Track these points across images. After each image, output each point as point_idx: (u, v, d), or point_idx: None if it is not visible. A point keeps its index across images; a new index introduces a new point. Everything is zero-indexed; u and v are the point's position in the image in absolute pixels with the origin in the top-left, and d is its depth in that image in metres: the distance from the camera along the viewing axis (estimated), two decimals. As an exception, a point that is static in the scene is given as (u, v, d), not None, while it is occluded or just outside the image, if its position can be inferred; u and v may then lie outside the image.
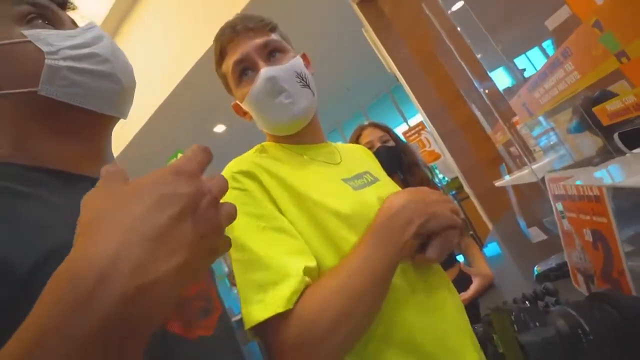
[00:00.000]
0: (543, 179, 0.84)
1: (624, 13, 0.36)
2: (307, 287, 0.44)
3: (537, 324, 0.42)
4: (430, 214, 0.46)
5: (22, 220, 0.29)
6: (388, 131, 1.25)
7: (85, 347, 0.17)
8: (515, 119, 1.28)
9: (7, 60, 0.36)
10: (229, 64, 0.58)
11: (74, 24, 0.44)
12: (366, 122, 1.28)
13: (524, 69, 2.01)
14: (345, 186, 0.56)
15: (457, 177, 2.69)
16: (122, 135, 4.56)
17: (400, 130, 7.14)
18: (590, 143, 0.94)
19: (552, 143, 1.29)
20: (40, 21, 0.38)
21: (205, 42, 3.21)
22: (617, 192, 0.49)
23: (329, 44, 4.06)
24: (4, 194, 0.31)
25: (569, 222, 0.65)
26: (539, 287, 0.67)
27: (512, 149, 1.10)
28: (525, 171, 0.91)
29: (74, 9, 0.44)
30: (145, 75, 3.68)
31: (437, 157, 2.88)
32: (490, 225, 2.19)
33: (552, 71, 0.52)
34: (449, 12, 1.65)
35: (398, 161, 1.19)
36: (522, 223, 1.20)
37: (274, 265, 0.44)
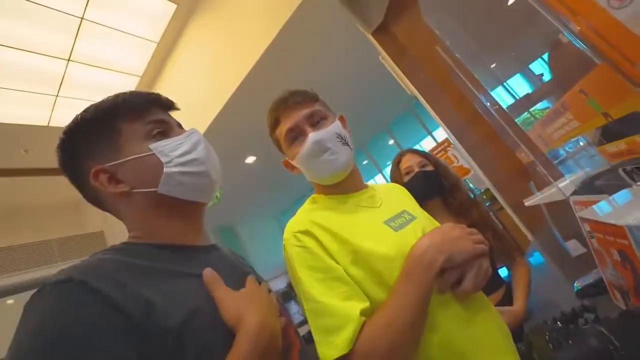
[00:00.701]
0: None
1: (602, 86, 0.43)
2: (365, 322, 0.54)
3: (571, 342, 0.48)
4: (451, 251, 0.55)
5: (166, 288, 0.42)
6: (426, 157, 1.30)
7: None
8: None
9: (139, 168, 0.51)
10: (282, 130, 0.72)
11: (180, 126, 0.59)
12: (406, 149, 1.34)
13: (542, 74, 2.01)
14: (387, 229, 0.66)
15: (488, 189, 2.66)
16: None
17: (426, 144, 7.10)
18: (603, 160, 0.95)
19: (581, 145, 1.29)
20: (159, 134, 0.54)
21: (237, 77, 3.46)
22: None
23: (350, 72, 4.24)
24: (150, 271, 0.44)
25: (597, 242, 0.69)
26: (577, 305, 0.71)
27: (537, 169, 1.14)
28: (553, 189, 0.96)
29: (178, 110, 0.61)
30: (184, 110, 3.99)
31: (467, 171, 2.88)
32: (529, 236, 2.15)
33: (556, 116, 0.60)
34: (450, 41, 1.73)
35: (438, 185, 1.23)
36: (559, 236, 1.22)
37: (336, 312, 0.54)
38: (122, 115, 0.53)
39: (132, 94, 0.54)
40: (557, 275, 1.43)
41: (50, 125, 4.24)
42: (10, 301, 4.48)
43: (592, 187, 0.78)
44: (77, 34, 3.28)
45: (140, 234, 0.52)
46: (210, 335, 0.40)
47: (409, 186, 1.22)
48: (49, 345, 0.34)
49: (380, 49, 2.85)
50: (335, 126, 0.70)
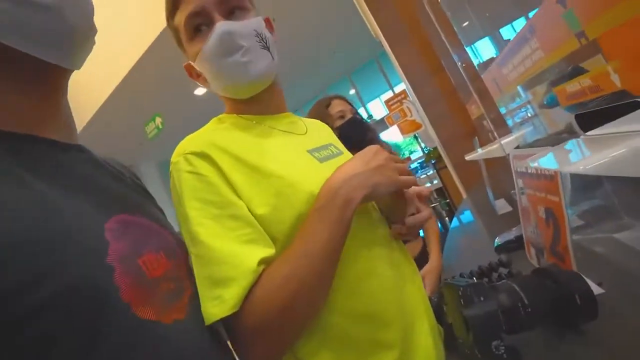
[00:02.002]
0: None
1: None
2: (263, 272, 0.44)
3: (482, 298, 0.44)
4: (372, 184, 0.46)
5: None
6: (353, 107, 1.24)
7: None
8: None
9: None
10: (182, 16, 0.53)
11: None
12: (334, 94, 1.25)
13: (509, 40, 1.96)
14: (311, 158, 0.55)
15: (436, 147, 2.71)
16: (95, 97, 4.31)
17: (385, 97, 7.04)
18: (564, 116, 0.95)
19: (529, 115, 1.30)
20: None
21: None
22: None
23: (315, 5, 3.84)
24: None
25: (527, 199, 0.67)
26: (494, 259, 0.71)
27: (484, 123, 1.10)
28: (495, 146, 0.92)
29: None
30: (118, 33, 3.41)
31: (418, 126, 2.87)
32: (464, 195, 2.26)
33: (519, 48, 0.51)
34: None
35: (365, 136, 1.17)
36: (491, 194, 1.24)
37: (228, 259, 0.43)
38: None
39: None
40: (482, 233, 1.50)
41: None
42: None
43: (536, 145, 0.75)
44: None
45: None
46: (44, 260, 0.27)
47: (344, 130, 1.14)
48: None
49: (350, -21, 2.56)
50: (255, 22, 0.53)
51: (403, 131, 2.94)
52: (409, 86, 2.42)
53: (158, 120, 3.81)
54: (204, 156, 0.48)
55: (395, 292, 0.52)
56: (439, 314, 0.60)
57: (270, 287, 0.42)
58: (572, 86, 0.43)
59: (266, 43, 0.53)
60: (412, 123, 2.87)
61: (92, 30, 0.38)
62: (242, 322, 0.42)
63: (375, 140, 1.22)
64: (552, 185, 0.52)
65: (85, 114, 4.51)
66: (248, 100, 0.56)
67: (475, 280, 0.47)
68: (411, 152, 6.82)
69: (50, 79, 0.36)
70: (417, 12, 1.99)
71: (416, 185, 0.52)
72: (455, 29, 1.60)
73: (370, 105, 7.53)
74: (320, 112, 1.19)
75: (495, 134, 1.00)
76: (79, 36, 0.36)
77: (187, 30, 0.53)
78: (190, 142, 0.50)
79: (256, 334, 0.42)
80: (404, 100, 2.93)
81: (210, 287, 0.42)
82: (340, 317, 0.47)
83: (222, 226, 0.45)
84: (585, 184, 0.67)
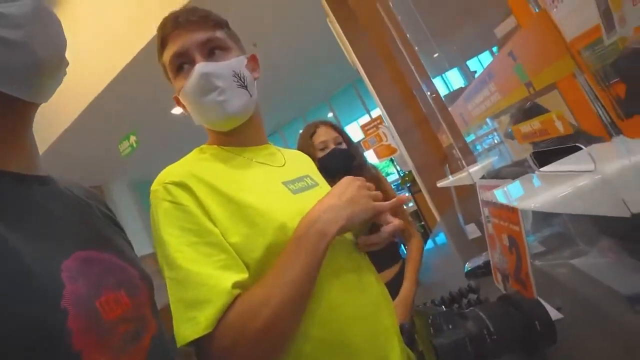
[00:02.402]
0: (478, 182, 0.90)
1: (532, 47, 0.39)
2: (237, 297, 0.44)
3: (450, 326, 0.46)
4: (346, 217, 0.49)
5: None
6: (341, 133, 1.27)
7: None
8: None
9: None
10: (168, 55, 0.57)
11: None
12: (321, 120, 1.28)
13: (475, 71, 2.11)
14: (285, 190, 0.57)
15: (411, 171, 2.80)
16: (67, 112, 4.15)
17: (362, 121, 7.25)
18: (525, 146, 1.02)
19: (495, 142, 1.39)
20: None
21: (159, 18, 2.98)
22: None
23: (293, 31, 3.97)
24: None
25: (493, 227, 0.70)
26: (464, 284, 0.73)
27: (453, 152, 1.17)
28: (463, 174, 0.98)
29: None
30: (95, 51, 3.35)
31: (393, 151, 2.97)
32: (438, 218, 2.32)
33: (480, 88, 0.56)
34: (402, 15, 1.67)
35: (350, 163, 1.21)
36: (461, 219, 1.29)
37: (204, 282, 0.44)
38: None
39: None
40: (454, 255, 1.55)
41: None
42: None
43: (501, 174, 0.80)
44: None
45: None
46: None
47: (324, 162, 1.17)
48: None
49: (328, 10, 2.69)
50: (234, 62, 0.57)
51: (379, 155, 3.04)
52: (385, 112, 2.52)
53: (132, 138, 3.71)
54: (183, 186, 0.50)
55: (366, 321, 0.53)
56: (411, 341, 0.61)
57: (243, 312, 0.43)
58: (525, 127, 0.48)
59: (244, 82, 0.57)
60: (388, 148, 2.97)
61: (62, 63, 0.38)
62: (214, 345, 0.42)
63: (363, 166, 1.25)
64: (513, 216, 0.55)
65: (57, 129, 4.33)
66: (228, 132, 0.59)
67: (444, 309, 0.48)
68: (387, 175, 6.99)
69: (16, 113, 0.35)
70: (391, 44, 2.12)
71: (388, 208, 0.54)
72: (422, 61, 1.71)
73: (347, 129, 7.71)
74: (304, 142, 1.23)
75: (464, 162, 1.05)
76: (48, 70, 0.35)
77: (172, 68, 0.57)
78: (170, 172, 0.52)
79: (228, 356, 0.42)
80: (379, 126, 3.04)
81: (185, 309, 0.43)
82: (312, 346, 0.48)
83: (199, 252, 0.46)
84: (545, 213, 0.72)
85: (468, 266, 0.88)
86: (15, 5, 0.32)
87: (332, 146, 1.21)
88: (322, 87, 6.39)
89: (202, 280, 0.44)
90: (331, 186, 0.63)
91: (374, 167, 1.34)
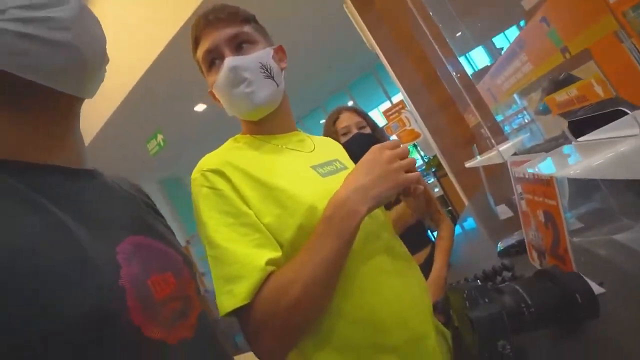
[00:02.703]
0: (509, 160, 0.87)
1: (566, 11, 0.37)
2: (270, 274, 0.48)
3: (487, 300, 0.46)
4: (376, 195, 0.49)
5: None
6: (365, 117, 1.25)
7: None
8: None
9: None
10: (200, 52, 0.61)
11: None
12: (344, 106, 1.28)
13: (502, 48, 2.02)
14: (314, 173, 0.59)
15: (436, 155, 2.74)
16: (99, 115, 4.37)
17: (383, 108, 7.13)
18: (558, 122, 0.98)
19: (526, 121, 1.33)
20: None
21: (184, 12, 3.05)
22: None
23: (310, 20, 3.94)
24: None
25: (526, 203, 0.69)
26: (497, 264, 0.72)
27: (482, 131, 1.13)
28: (493, 153, 0.95)
29: None
30: (120, 51, 3.49)
31: (417, 135, 2.91)
32: (465, 201, 2.27)
33: (509, 60, 0.54)
34: None
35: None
36: (492, 200, 1.26)
37: (240, 260, 0.48)
38: None
39: None
40: (484, 238, 1.51)
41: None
42: None
43: (534, 151, 0.77)
44: None
45: None
46: (54, 289, 0.28)
47: (346, 147, 1.17)
48: None
49: (346, -2, 2.64)
50: (261, 54, 0.60)
51: (402, 140, 2.98)
52: (407, 97, 2.46)
53: (159, 137, 3.86)
54: (219, 173, 0.54)
55: (400, 300, 0.55)
56: (445, 319, 0.62)
57: (276, 288, 0.47)
58: (561, 96, 0.46)
59: (270, 73, 0.60)
60: (411, 132, 2.91)
61: (104, 60, 0.41)
62: (251, 316, 0.47)
63: None
64: (548, 189, 0.54)
65: (91, 131, 4.57)
66: (259, 121, 0.62)
67: (480, 283, 0.48)
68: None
69: (62, 107, 0.38)
70: (411, 26, 2.06)
71: (420, 180, 0.54)
72: (447, 40, 1.65)
73: (368, 116, 7.61)
74: (328, 128, 1.23)
75: (493, 141, 1.02)
76: (93, 67, 0.38)
77: (205, 64, 0.61)
78: (208, 160, 0.56)
79: (262, 327, 0.47)
80: (402, 111, 2.98)
81: (224, 283, 0.48)
82: (344, 323, 0.51)
83: (235, 232, 0.50)
84: (583, 187, 0.70)
85: (500, 245, 0.86)
86: (62, 9, 0.34)
87: (354, 131, 1.21)
88: (341, 75, 6.33)
89: (238, 258, 0.48)
90: None
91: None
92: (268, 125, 0.64)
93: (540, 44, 0.42)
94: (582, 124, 0.48)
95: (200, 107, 5.23)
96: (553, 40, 0.41)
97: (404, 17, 2.08)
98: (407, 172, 0.52)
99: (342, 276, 0.51)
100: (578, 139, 0.46)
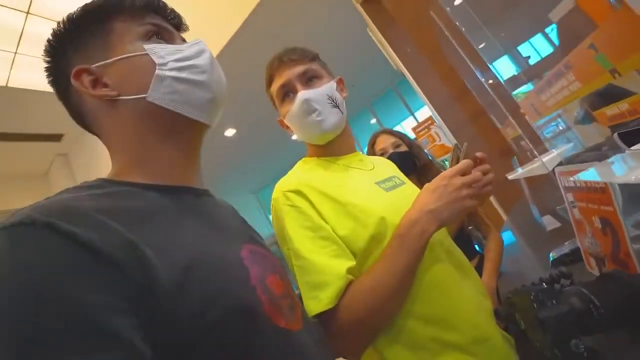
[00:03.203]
0: (554, 170, 0.89)
1: (615, 39, 0.42)
2: (350, 282, 0.55)
3: (554, 301, 0.49)
4: (445, 218, 0.55)
5: (158, 237, 0.34)
6: (401, 137, 1.32)
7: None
8: (522, 110, 1.33)
9: (128, 71, 0.43)
10: (275, 87, 0.71)
11: (184, 41, 0.51)
12: (381, 130, 1.35)
13: (529, 56, 2.03)
14: (379, 189, 0.66)
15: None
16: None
17: (408, 124, 7.15)
18: (597, 131, 0.99)
19: (560, 129, 1.33)
20: (156, 37, 0.46)
21: (217, 44, 3.28)
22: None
23: (333, 43, 4.12)
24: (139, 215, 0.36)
25: (579, 211, 0.70)
26: (554, 271, 0.74)
27: (522, 143, 1.16)
28: (536, 164, 0.97)
29: (187, 30, 0.52)
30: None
31: (448, 150, 2.91)
32: (503, 215, 2.23)
33: (556, 79, 0.59)
34: (451, 8, 1.70)
35: (411, 164, 1.25)
36: (535, 211, 1.26)
37: (323, 269, 0.55)
38: (116, 13, 0.46)
39: None
40: (528, 252, 1.50)
41: (8, 85, 3.89)
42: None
43: (579, 160, 0.80)
44: (37, -17, 2.97)
45: (123, 168, 0.44)
46: (213, 285, 0.34)
47: None
48: (5, 300, 0.25)
49: (368, 19, 2.77)
50: (327, 87, 0.69)
51: (433, 156, 3.00)
52: (435, 112, 2.50)
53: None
54: (298, 192, 0.61)
55: (463, 301, 0.59)
56: (508, 324, 0.64)
57: (357, 295, 0.53)
58: (611, 110, 0.50)
59: (336, 102, 0.68)
60: (442, 147, 2.93)
61: (225, 97, 0.51)
62: (335, 319, 0.53)
63: (428, 166, 1.29)
64: (604, 196, 0.56)
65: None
66: (325, 145, 0.71)
67: (545, 286, 0.51)
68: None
69: (197, 136, 0.48)
70: (437, 40, 2.12)
71: (480, 204, 0.59)
72: (477, 50, 1.69)
73: (392, 132, 7.65)
74: (369, 152, 1.32)
75: (535, 152, 1.04)
76: (219, 102, 0.48)
77: (279, 97, 0.71)
78: (286, 182, 0.64)
79: (345, 329, 0.53)
80: (431, 126, 3.02)
81: (309, 290, 0.54)
82: (413, 322, 0.57)
83: (316, 245, 0.57)
84: (636, 195, 0.71)
85: (553, 255, 0.87)
86: (201, 59, 0.47)
87: (390, 151, 1.27)
88: (363, 94, 6.45)
89: (321, 268, 0.55)
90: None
91: (442, 166, 1.38)
92: (332, 148, 0.72)
93: (588, 66, 0.47)
94: (633, 134, 0.51)
95: (229, 132, 5.49)
96: (601, 63, 0.45)
97: (429, 32, 2.16)
98: (472, 197, 0.56)
99: (411, 284, 0.56)
100: (631, 148, 0.49)
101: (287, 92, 0.70)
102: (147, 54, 0.44)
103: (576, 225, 0.76)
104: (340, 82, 0.75)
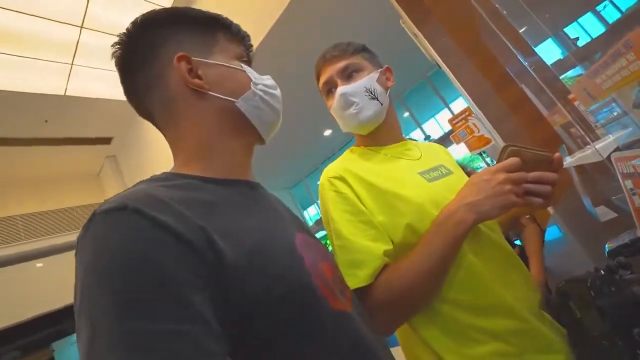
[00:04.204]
0: (609, 157, 0.84)
1: None
2: (386, 264, 0.58)
3: (613, 289, 0.47)
4: (483, 212, 0.54)
5: (224, 224, 0.39)
6: None
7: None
8: (571, 96, 1.25)
9: (225, 76, 0.51)
10: (320, 84, 0.77)
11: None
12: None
13: (577, 38, 1.88)
14: (421, 179, 0.68)
15: (509, 161, 2.58)
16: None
17: (442, 117, 6.92)
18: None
19: (614, 114, 1.24)
20: (246, 63, 0.55)
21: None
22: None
23: (365, 37, 4.09)
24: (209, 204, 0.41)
25: (640, 199, 0.67)
26: (612, 262, 0.70)
27: (572, 130, 1.10)
28: (588, 151, 0.92)
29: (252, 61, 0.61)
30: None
31: (488, 141, 2.80)
32: (549, 209, 2.11)
33: (613, 60, 0.56)
34: None
35: None
36: (588, 202, 1.19)
37: (362, 249, 0.59)
38: (225, 29, 0.54)
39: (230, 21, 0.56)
40: (577, 246, 1.42)
41: (66, 94, 4.28)
42: (39, 264, 4.75)
43: (636, 145, 0.75)
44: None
45: (186, 160, 0.49)
46: (275, 268, 0.38)
47: None
48: (100, 276, 0.30)
49: (402, 12, 2.72)
50: (366, 80, 0.72)
51: (471, 148, 2.89)
52: (473, 104, 2.41)
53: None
54: (341, 179, 0.65)
55: (501, 290, 0.59)
56: (560, 314, 0.62)
57: (392, 275, 0.57)
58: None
59: (374, 94, 0.71)
60: (480, 139, 2.82)
61: (280, 121, 0.58)
62: (371, 295, 0.56)
63: None
64: (669, 181, 0.53)
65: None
66: (369, 134, 0.75)
67: (603, 273, 0.50)
68: (477, 169, 6.49)
69: (253, 143, 0.56)
70: (476, 28, 2.05)
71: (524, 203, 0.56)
72: (521, 34, 1.60)
73: (425, 126, 7.46)
74: None
75: (588, 138, 0.99)
76: (277, 127, 0.57)
77: (324, 93, 0.77)
78: (332, 169, 0.69)
79: (379, 305, 0.56)
80: (469, 118, 2.91)
81: (348, 267, 0.58)
82: (449, 306, 0.58)
83: (356, 228, 0.61)
84: None
85: (610, 246, 0.82)
86: (278, 91, 0.56)
87: None
88: (395, 88, 6.35)
89: (359, 248, 0.59)
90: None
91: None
92: (377, 138, 0.75)
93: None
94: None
95: (327, 132, 5.63)
96: None
97: (468, 20, 2.08)
98: (517, 194, 0.54)
99: (447, 271, 0.57)
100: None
101: (330, 88, 0.75)
102: (244, 71, 0.53)
103: (637, 214, 0.72)
104: (387, 70, 0.79)
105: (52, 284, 4.04)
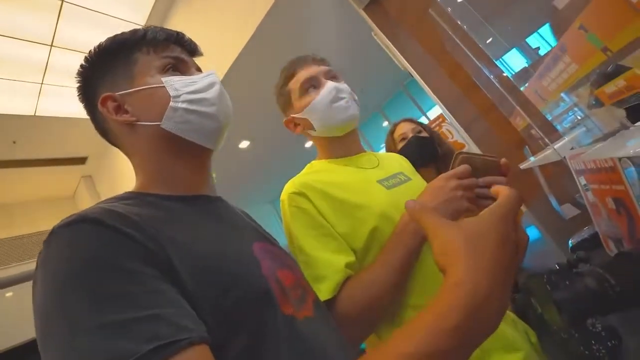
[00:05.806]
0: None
1: (602, 18, 0.42)
2: (349, 276, 0.59)
3: (567, 282, 0.49)
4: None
5: (181, 238, 0.39)
6: (421, 125, 1.30)
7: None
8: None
9: (146, 100, 0.50)
10: (298, 80, 0.75)
11: (198, 70, 0.57)
12: (401, 119, 1.33)
13: (538, 47, 1.99)
14: (379, 187, 0.70)
15: (483, 164, 2.66)
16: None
17: (419, 123, 7.07)
18: (613, 113, 0.96)
19: (578, 118, 1.30)
20: (172, 70, 0.52)
21: (226, 59, 3.38)
22: (636, 159, 0.54)
23: (341, 51, 4.18)
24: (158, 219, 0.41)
25: (593, 194, 0.70)
26: (571, 257, 0.73)
27: (532, 132, 1.14)
28: (548, 151, 0.96)
29: (201, 55, 0.59)
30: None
31: (462, 147, 2.88)
32: (523, 207, 2.17)
33: (554, 63, 0.59)
34: (452, 7, 1.70)
35: (432, 151, 1.22)
36: (554, 201, 1.23)
37: (324, 263, 0.59)
38: (139, 46, 0.52)
39: (153, 28, 0.54)
40: (550, 242, 1.46)
41: (36, 115, 4.14)
42: (8, 294, 4.47)
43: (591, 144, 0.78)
44: (58, 18, 3.17)
45: (144, 182, 0.50)
46: (227, 275, 0.39)
47: (403, 152, 1.21)
48: (70, 277, 0.31)
49: (372, 24, 2.80)
50: (347, 86, 0.76)
51: (446, 153, 2.97)
52: (445, 109, 2.49)
53: (213, 175, 4.19)
54: (301, 194, 0.66)
55: None
56: (524, 311, 0.63)
57: (354, 288, 0.57)
58: (610, 88, 0.50)
59: (355, 99, 0.76)
60: (456, 144, 2.89)
61: (230, 122, 0.55)
62: (336, 309, 0.57)
63: (450, 155, 1.24)
64: (614, 175, 0.56)
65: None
66: (335, 144, 0.76)
67: (558, 268, 0.51)
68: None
69: (203, 157, 0.54)
70: (441, 39, 2.13)
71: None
72: (480, 46, 1.68)
73: (405, 134, 7.60)
74: (387, 141, 1.29)
75: (547, 139, 1.03)
76: (223, 130, 0.54)
77: (301, 89, 0.75)
78: (292, 184, 0.69)
79: (344, 318, 0.56)
80: (442, 124, 2.99)
81: (313, 282, 0.58)
82: (412, 311, 0.60)
83: (318, 241, 0.61)
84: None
85: (572, 242, 0.85)
86: (211, 92, 0.52)
87: (410, 135, 1.25)
88: (373, 98, 6.47)
89: (321, 262, 0.59)
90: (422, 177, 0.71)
91: (470, 154, 1.34)
92: (345, 144, 0.77)
93: (581, 46, 0.47)
94: (635, 110, 0.51)
95: (244, 144, 5.60)
96: (593, 42, 0.46)
97: (432, 32, 2.16)
98: (468, 199, 0.56)
99: (408, 278, 0.59)
100: (635, 124, 0.49)
101: (312, 85, 0.75)
102: (164, 87, 0.50)
103: (592, 208, 0.75)
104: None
105: (24, 314, 3.81)
